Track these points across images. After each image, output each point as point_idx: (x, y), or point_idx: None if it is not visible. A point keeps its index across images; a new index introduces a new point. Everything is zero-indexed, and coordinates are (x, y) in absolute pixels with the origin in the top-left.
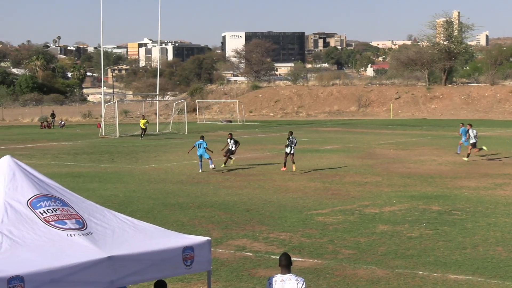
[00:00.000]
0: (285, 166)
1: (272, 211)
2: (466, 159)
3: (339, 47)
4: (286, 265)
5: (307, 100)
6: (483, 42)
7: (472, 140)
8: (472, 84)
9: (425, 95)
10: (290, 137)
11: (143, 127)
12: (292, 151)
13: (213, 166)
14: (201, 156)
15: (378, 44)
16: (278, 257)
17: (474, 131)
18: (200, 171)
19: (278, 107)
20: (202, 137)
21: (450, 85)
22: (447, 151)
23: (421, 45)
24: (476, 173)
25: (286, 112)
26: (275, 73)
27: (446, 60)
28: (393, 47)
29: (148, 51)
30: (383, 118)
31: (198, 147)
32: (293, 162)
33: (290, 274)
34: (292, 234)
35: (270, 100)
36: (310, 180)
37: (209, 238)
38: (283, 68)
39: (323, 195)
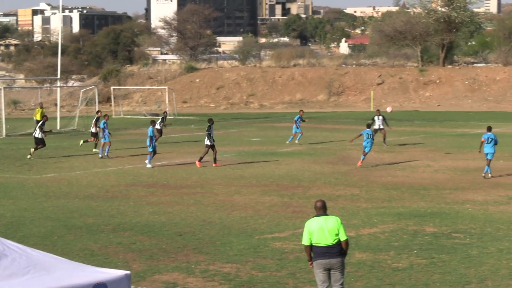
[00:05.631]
0: (216, 162)
1: (212, 235)
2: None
3: (303, 16)
4: None
5: (260, 87)
6: (493, 8)
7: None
8: (479, 65)
9: (417, 80)
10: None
11: (40, 118)
12: (213, 142)
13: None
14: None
15: (354, 12)
16: None
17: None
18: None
19: (222, 95)
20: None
21: (450, 66)
22: (446, 153)
23: (412, 13)
24: (484, 183)
25: (232, 102)
26: (217, 50)
27: (445, 33)
28: (375, 15)
29: (46, 21)
30: (362, 110)
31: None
32: (201, 158)
33: None
34: (239, 266)
35: (211, 87)
36: (264, 193)
37: (128, 272)
38: (228, 43)
39: (281, 213)
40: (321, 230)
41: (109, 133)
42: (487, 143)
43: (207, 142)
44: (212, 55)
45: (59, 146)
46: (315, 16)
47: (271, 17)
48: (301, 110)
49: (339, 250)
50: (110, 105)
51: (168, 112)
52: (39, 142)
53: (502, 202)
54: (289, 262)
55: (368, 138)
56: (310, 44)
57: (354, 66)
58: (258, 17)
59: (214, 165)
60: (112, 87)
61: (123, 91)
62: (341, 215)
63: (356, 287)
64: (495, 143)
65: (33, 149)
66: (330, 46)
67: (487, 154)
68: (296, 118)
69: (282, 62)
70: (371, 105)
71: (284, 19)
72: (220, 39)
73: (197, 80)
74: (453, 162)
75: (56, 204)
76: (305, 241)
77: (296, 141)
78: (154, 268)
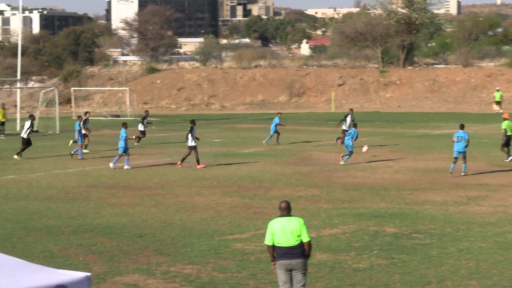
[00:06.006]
0: (181, 162)
1: (173, 236)
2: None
3: (264, 17)
4: None
5: (222, 88)
6: (453, 10)
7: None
8: (439, 66)
9: (378, 81)
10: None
11: (3, 119)
12: (193, 143)
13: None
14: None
15: (316, 13)
16: None
17: None
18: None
19: (183, 96)
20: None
21: (410, 67)
22: (406, 154)
23: (372, 14)
24: (444, 184)
25: (193, 103)
26: (178, 51)
27: (405, 34)
28: (336, 16)
29: (6, 21)
30: (323, 111)
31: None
32: (197, 160)
33: None
34: (200, 267)
35: (172, 88)
36: (225, 194)
37: (89, 274)
38: (189, 44)
39: (242, 214)
40: (283, 231)
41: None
42: (457, 141)
43: (191, 143)
44: (173, 56)
45: (19, 147)
46: (276, 17)
47: (232, 18)
48: (279, 113)
49: (301, 251)
50: (71, 106)
51: (148, 112)
52: (24, 142)
53: (461, 202)
54: (250, 263)
55: (348, 135)
56: (271, 45)
57: (315, 67)
58: (219, 18)
59: (179, 164)
60: (72, 88)
61: (84, 92)
62: (302, 216)
63: (317, 287)
64: (466, 142)
65: (19, 151)
66: (291, 47)
67: (457, 152)
68: (277, 121)
69: (243, 63)
70: (332, 106)
71: (245, 20)
72: (181, 40)
73: (158, 81)
74: (413, 163)
75: (16, 206)
76: (268, 241)
77: (264, 142)
78: (115, 269)
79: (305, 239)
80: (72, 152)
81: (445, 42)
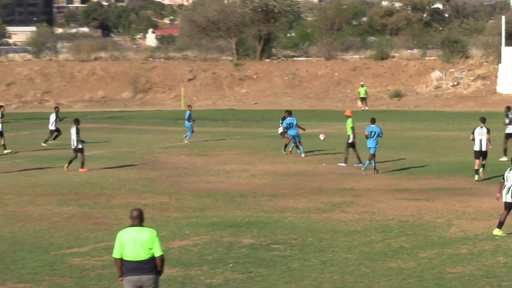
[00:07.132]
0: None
1: (2, 251)
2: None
3: (104, 3)
4: None
5: (57, 83)
6: None
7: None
8: (299, 59)
9: (232, 75)
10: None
11: None
12: (80, 146)
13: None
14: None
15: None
16: None
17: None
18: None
19: (12, 93)
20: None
21: (268, 60)
22: (264, 156)
23: (226, 1)
24: (305, 189)
25: (24, 100)
26: (7, 41)
27: (262, 23)
28: (185, 3)
29: None
30: (171, 108)
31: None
32: (69, 162)
33: None
34: (33, 286)
35: (0, 83)
36: (61, 202)
37: None
38: (19, 34)
39: (80, 225)
40: (133, 243)
41: None
42: (370, 137)
43: (79, 145)
44: (1, 47)
45: None
46: (118, 4)
47: (69, 5)
48: (189, 106)
49: (152, 266)
50: None
51: (59, 108)
52: None
53: (325, 209)
54: (90, 280)
55: (291, 127)
56: (113, 35)
57: (162, 60)
58: (54, 5)
59: (80, 170)
60: None
61: None
62: (149, 226)
63: None
64: (379, 136)
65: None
66: (135, 37)
67: (369, 148)
68: (188, 115)
69: (82, 55)
70: (182, 103)
71: (83, 7)
72: (10, 29)
73: None
74: (272, 166)
75: None
76: (116, 254)
77: (185, 140)
78: None
79: (158, 253)
80: None
81: (305, 33)
